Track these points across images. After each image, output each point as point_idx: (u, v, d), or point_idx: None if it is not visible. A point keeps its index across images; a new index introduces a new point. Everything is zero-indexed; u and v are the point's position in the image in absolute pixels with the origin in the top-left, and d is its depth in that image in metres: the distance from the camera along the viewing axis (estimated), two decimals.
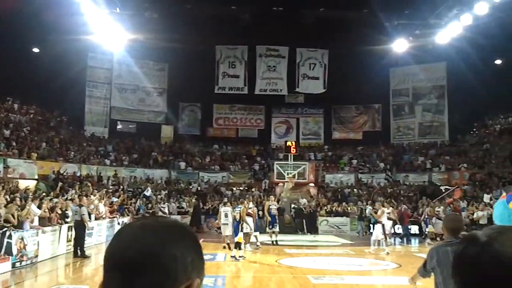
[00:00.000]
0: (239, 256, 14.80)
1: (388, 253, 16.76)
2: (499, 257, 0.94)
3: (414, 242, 22.96)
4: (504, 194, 5.31)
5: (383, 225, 17.40)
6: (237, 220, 15.77)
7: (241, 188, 31.05)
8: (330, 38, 31.65)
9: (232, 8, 29.01)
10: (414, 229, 25.00)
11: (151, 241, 0.99)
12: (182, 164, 33.35)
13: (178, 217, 26.33)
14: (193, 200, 27.28)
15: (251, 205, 18.18)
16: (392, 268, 13.69)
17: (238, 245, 15.00)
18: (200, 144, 36.77)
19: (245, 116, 38.63)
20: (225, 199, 23.02)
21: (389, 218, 18.87)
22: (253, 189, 30.71)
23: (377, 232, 17.69)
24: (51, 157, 27.36)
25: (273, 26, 30.29)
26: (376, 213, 18.13)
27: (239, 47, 35.28)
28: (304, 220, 26.01)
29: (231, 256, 14.69)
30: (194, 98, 37.40)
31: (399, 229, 24.36)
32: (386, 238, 17.56)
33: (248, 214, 16.71)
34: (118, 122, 36.34)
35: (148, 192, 26.96)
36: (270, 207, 19.01)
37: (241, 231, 15.49)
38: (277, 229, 19.21)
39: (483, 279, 0.94)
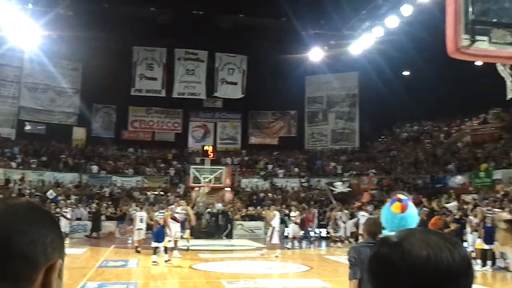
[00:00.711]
0: (165, 261, 14.63)
1: (277, 256, 17.07)
2: (407, 256, 0.99)
3: (323, 245, 23.71)
4: (389, 199, 5.65)
5: (273, 228, 17.62)
6: (161, 224, 15.54)
7: (156, 193, 30.54)
8: (249, 44, 32.07)
9: (151, 9, 28.60)
10: (323, 232, 25.92)
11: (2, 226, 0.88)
12: (94, 168, 32.24)
13: (89, 223, 25.43)
14: (94, 205, 26.25)
15: (179, 209, 17.95)
16: (303, 271, 14.06)
17: (165, 250, 15.02)
18: (114, 147, 35.73)
19: (162, 119, 38.08)
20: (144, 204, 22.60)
21: (295, 222, 19.37)
22: (168, 194, 30.31)
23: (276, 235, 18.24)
24: None
25: (192, 29, 30.18)
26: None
27: (157, 49, 34.79)
28: (219, 225, 26.03)
29: (152, 262, 14.49)
30: (109, 100, 36.28)
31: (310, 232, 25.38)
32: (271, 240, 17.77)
33: (174, 219, 16.51)
34: (27, 122, 34.49)
35: (51, 195, 25.72)
36: (177, 213, 18.24)
37: (167, 235, 15.34)
38: (184, 235, 18.28)
39: (394, 278, 1.00)
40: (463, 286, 1.01)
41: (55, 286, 0.91)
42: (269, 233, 18.14)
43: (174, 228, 16.66)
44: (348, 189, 26.38)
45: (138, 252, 17.40)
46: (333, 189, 26.22)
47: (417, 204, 24.31)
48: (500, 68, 4.07)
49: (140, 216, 18.07)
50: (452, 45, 3.25)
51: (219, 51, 35.13)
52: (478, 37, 3.22)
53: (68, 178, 30.68)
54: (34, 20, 24.41)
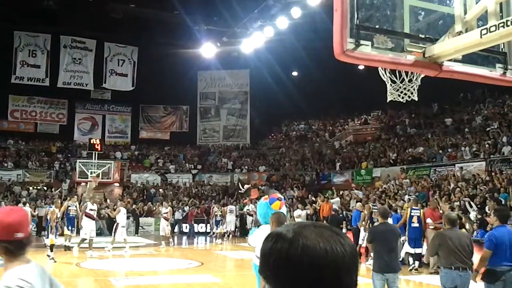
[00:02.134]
0: (50, 258, 13.95)
1: (109, 250, 17.05)
2: (306, 251, 1.04)
3: (208, 240, 23.96)
4: (266, 196, 6.53)
5: (117, 224, 17.36)
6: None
7: (39, 188, 28.87)
8: (140, 35, 31.32)
9: None
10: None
11: None
12: None
13: None
14: None
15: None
16: (195, 266, 14.09)
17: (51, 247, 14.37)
18: None
19: (45, 110, 35.93)
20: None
21: (165, 218, 19.46)
22: (53, 189, 28.78)
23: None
24: None
25: (80, 16, 28.79)
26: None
27: (41, 35, 32.74)
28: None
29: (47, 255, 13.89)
30: None
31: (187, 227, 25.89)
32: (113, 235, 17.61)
33: (88, 216, 16.04)
34: None
35: None
36: (69, 208, 17.26)
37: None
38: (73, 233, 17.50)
39: (294, 272, 1.05)
40: (353, 275, 1.08)
41: None
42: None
43: (89, 227, 16.04)
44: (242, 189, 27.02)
45: None
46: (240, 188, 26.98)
47: (305, 198, 25.41)
48: (381, 72, 4.37)
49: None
50: (338, 48, 3.43)
51: (108, 40, 33.86)
52: (362, 42, 3.43)
53: None
54: None
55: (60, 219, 16.30)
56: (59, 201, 15.77)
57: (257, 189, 28.21)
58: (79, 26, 30.80)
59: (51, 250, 14.11)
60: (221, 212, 22.62)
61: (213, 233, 23.69)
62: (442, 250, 6.47)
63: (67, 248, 16.95)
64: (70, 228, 16.92)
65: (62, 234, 16.84)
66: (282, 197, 6.20)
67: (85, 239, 16.02)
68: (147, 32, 29.86)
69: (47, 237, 14.60)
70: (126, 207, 20.23)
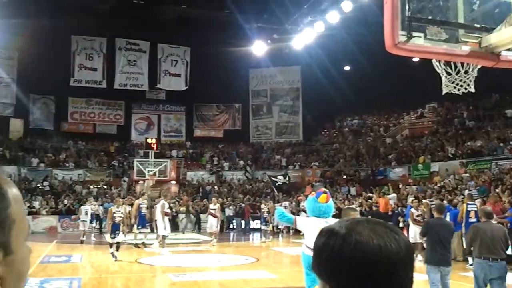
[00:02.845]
0: (113, 256, 14.05)
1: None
2: (359, 247, 1.04)
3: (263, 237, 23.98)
4: (313, 192, 6.88)
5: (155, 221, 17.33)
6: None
7: (99, 186, 29.89)
8: (192, 36, 31.75)
9: None
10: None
11: None
12: (34, 161, 31.12)
13: (29, 218, 24.68)
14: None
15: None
16: (250, 262, 14.20)
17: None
18: (54, 139, 34.59)
19: (103, 111, 37.15)
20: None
21: (213, 215, 19.11)
22: (112, 187, 29.74)
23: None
24: None
25: (133, 19, 29.55)
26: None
27: (97, 39, 33.85)
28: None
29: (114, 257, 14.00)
30: (47, 90, 34.95)
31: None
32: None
33: (166, 214, 16.36)
34: None
35: None
36: (140, 205, 17.70)
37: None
38: (148, 230, 18.02)
39: (346, 267, 1.05)
40: (409, 272, 1.07)
41: None
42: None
43: (167, 224, 16.43)
44: (286, 182, 26.76)
45: (81, 242, 18.84)
46: (275, 180, 26.56)
47: (359, 195, 25.09)
48: (435, 63, 4.26)
49: (85, 209, 19.81)
50: (390, 41, 3.38)
51: (161, 42, 34.60)
52: (414, 34, 3.36)
53: (6, 171, 29.44)
54: None
55: (131, 216, 16.75)
56: (120, 200, 16.09)
57: (311, 186, 28.19)
58: (133, 28, 31.60)
59: (111, 247, 14.22)
60: (268, 209, 22.34)
61: (262, 230, 23.51)
62: (475, 242, 6.83)
63: (140, 245, 17.33)
64: (140, 226, 17.36)
65: (131, 231, 17.27)
66: (328, 190, 6.46)
67: (166, 236, 16.38)
68: (199, 32, 30.27)
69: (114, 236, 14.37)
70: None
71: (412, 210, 14.82)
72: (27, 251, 0.88)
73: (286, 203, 23.90)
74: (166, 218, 16.46)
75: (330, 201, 6.65)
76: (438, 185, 22.37)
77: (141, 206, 17.69)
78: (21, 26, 27.39)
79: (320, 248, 1.11)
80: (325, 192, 6.59)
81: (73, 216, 23.78)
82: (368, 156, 32.08)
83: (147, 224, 18.07)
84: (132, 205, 17.86)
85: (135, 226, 17.39)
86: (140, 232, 17.57)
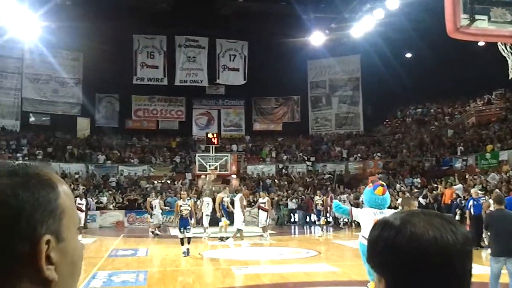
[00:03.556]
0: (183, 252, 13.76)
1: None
2: (414, 238, 1.01)
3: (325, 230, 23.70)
4: (370, 184, 7.28)
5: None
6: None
7: (163, 181, 30.65)
8: (249, 29, 31.85)
9: None
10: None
11: None
12: (101, 158, 32.35)
13: (98, 213, 25.72)
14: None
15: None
16: (312, 256, 14.11)
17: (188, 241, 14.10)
18: (119, 136, 35.82)
19: (165, 107, 38.04)
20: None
21: (263, 209, 18.46)
22: (175, 182, 30.42)
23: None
24: None
25: (192, 16, 30.00)
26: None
27: (157, 37, 34.62)
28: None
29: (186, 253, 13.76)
30: (111, 89, 36.24)
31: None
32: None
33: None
34: (31, 114, 34.54)
35: None
36: (223, 199, 17.81)
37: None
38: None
39: (400, 259, 1.02)
40: (467, 265, 1.04)
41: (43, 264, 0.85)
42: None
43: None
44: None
45: (156, 235, 19.89)
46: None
47: (424, 186, 24.35)
48: (501, 47, 4.02)
49: (155, 204, 20.45)
50: (451, 25, 3.20)
51: (219, 37, 34.92)
52: (477, 17, 3.17)
53: (75, 168, 30.80)
54: (33, 11, 24.29)
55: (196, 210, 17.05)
56: (185, 193, 16.25)
57: (375, 177, 27.65)
58: (191, 25, 32.08)
59: (182, 243, 13.89)
60: (322, 201, 21.86)
61: (315, 223, 23.02)
62: (490, 230, 7.02)
63: (223, 239, 17.49)
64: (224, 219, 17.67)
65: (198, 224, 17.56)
66: (385, 183, 6.91)
67: (241, 229, 16.65)
68: (256, 26, 30.31)
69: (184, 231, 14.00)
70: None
71: (490, 200, 14.20)
72: (79, 244, 0.93)
73: (344, 196, 23.54)
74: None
75: (387, 194, 6.91)
76: (508, 174, 21.35)
77: (224, 200, 17.83)
78: (84, 28, 28.44)
79: (374, 240, 1.09)
80: (382, 185, 6.88)
81: (146, 215, 23.67)
82: (433, 145, 31.07)
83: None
84: (197, 199, 18.18)
85: (223, 218, 17.77)
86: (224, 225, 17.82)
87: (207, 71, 35.07)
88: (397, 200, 20.47)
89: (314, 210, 22.85)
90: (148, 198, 22.13)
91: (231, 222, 17.75)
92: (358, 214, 7.30)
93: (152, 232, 20.37)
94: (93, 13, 27.12)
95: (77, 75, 35.32)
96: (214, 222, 19.00)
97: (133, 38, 34.16)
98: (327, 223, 22.27)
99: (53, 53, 33.00)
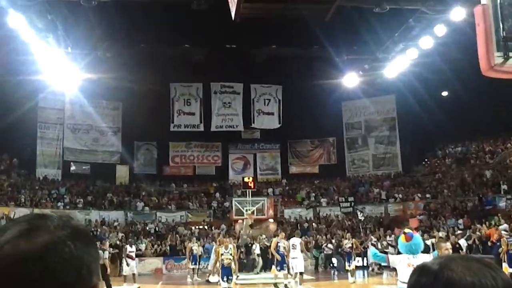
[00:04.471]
0: None
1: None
2: (450, 283, 0.98)
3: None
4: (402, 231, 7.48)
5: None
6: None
7: (201, 227, 30.64)
8: (282, 73, 32.23)
9: (186, 46, 29.25)
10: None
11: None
12: (140, 205, 32.72)
13: (136, 260, 25.73)
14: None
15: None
16: None
17: None
18: (157, 183, 36.27)
19: (201, 153, 38.46)
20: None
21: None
22: (213, 227, 30.36)
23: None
24: (1, 202, 26.38)
25: (227, 63, 30.62)
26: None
27: (193, 85, 35.37)
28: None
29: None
30: (149, 137, 37.01)
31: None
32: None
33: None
34: (72, 163, 35.45)
35: None
36: (279, 244, 17.27)
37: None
38: (286, 271, 16.96)
39: None
40: None
41: None
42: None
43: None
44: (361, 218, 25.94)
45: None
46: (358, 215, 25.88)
47: (468, 227, 23.55)
48: None
49: (195, 249, 20.80)
50: (485, 64, 3.15)
51: (254, 82, 35.42)
52: (511, 54, 3.11)
53: (114, 215, 31.20)
54: (73, 63, 25.33)
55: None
56: (226, 240, 16.01)
57: (416, 219, 27.03)
58: (226, 72, 32.72)
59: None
60: (352, 244, 20.87)
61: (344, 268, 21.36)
62: None
63: (279, 285, 17.21)
64: (279, 267, 16.89)
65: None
66: (411, 230, 7.33)
67: (303, 272, 16.63)
68: (289, 70, 30.67)
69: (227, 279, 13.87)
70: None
71: None
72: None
73: (385, 243, 22.84)
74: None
75: (416, 239, 7.17)
76: None
77: (279, 245, 17.31)
78: (124, 78, 29.40)
79: (413, 286, 1.07)
80: (404, 233, 7.24)
81: (185, 261, 23.42)
82: (474, 184, 30.18)
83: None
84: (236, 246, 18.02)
85: (274, 266, 17.25)
86: (279, 271, 16.97)
87: (242, 116, 35.45)
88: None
89: (343, 253, 22.07)
90: (188, 244, 22.09)
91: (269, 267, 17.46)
92: (394, 260, 7.53)
93: (191, 278, 20.30)
94: (132, 64, 28.04)
95: (116, 124, 36.29)
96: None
97: (170, 86, 34.98)
98: (359, 267, 21.63)
99: (94, 103, 34.16)
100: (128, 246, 19.45)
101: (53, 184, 32.82)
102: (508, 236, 17.10)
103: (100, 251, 21.62)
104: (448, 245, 7.43)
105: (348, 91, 31.28)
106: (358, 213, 26.93)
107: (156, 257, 26.56)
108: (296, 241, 17.14)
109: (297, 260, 16.43)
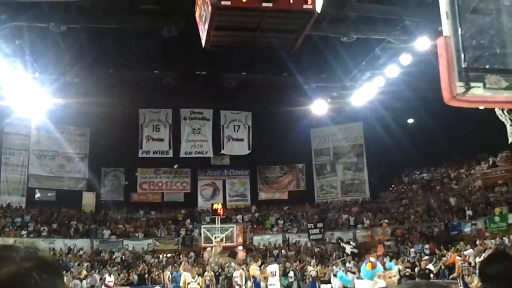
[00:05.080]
0: None
1: None
2: None
3: None
4: (365, 260, 8.51)
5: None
6: None
7: (169, 255, 30.15)
8: (252, 100, 32.40)
9: (156, 72, 29.20)
10: None
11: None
12: (106, 233, 32.04)
13: None
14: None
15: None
16: None
17: None
18: (124, 210, 35.67)
19: (170, 179, 38.12)
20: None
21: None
22: (181, 255, 29.91)
23: None
24: None
25: (196, 89, 30.63)
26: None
27: (163, 111, 35.18)
28: None
29: None
30: (117, 163, 36.55)
31: None
32: None
33: None
34: (36, 190, 34.64)
35: None
36: (257, 272, 17.25)
37: None
38: None
39: None
40: None
41: None
42: None
43: None
44: (354, 250, 25.99)
45: None
46: (345, 246, 25.86)
47: (434, 253, 23.84)
48: (498, 112, 4.08)
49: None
50: (447, 93, 3.25)
51: (223, 108, 35.47)
52: (472, 84, 3.22)
53: (80, 244, 30.45)
54: (41, 88, 24.93)
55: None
56: (194, 269, 15.84)
57: (383, 245, 27.19)
58: (196, 98, 32.72)
59: None
60: (317, 272, 20.61)
61: None
62: None
63: None
64: None
65: None
66: (374, 259, 8.06)
67: None
68: (259, 96, 30.89)
69: None
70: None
71: None
72: None
73: (351, 264, 22.94)
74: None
75: (377, 268, 7.88)
76: None
77: (257, 271, 17.15)
78: (92, 104, 29.06)
79: None
80: (370, 261, 7.90)
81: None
82: (440, 210, 30.71)
83: None
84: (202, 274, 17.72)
85: None
86: None
87: (212, 142, 35.35)
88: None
89: (307, 281, 21.92)
90: (166, 272, 21.67)
91: None
92: (358, 285, 8.38)
93: None
94: (100, 89, 27.77)
95: (83, 150, 35.73)
96: None
97: (139, 112, 34.71)
98: None
99: (61, 129, 33.61)
100: (107, 276, 18.94)
101: (17, 211, 31.95)
102: (463, 262, 17.46)
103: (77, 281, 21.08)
104: (393, 272, 8.02)
105: (316, 118, 31.65)
106: (346, 246, 26.82)
107: (122, 287, 25.90)
108: (274, 267, 16.96)
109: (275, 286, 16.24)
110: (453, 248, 22.44)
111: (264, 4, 8.64)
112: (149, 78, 29.29)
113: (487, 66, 3.37)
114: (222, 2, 8.50)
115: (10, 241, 27.50)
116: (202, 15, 9.64)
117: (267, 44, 10.43)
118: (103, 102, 29.09)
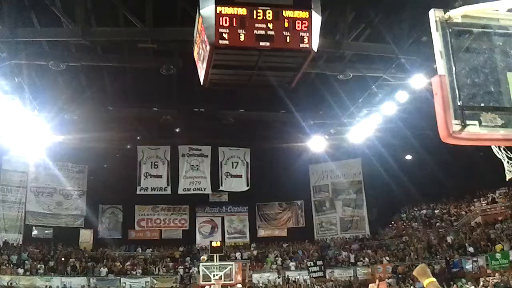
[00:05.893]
0: None
1: None
2: None
3: None
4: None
5: None
6: None
7: None
8: (251, 137, 32.51)
9: (154, 109, 29.36)
10: None
11: None
12: (103, 271, 31.57)
13: None
14: None
15: None
16: None
17: None
18: (122, 248, 35.27)
19: (168, 216, 37.85)
20: None
21: None
22: None
23: None
24: None
25: (195, 126, 30.76)
26: None
27: (161, 147, 35.18)
28: None
29: None
30: (115, 200, 36.34)
31: None
32: None
33: None
34: (34, 227, 34.31)
35: None
36: None
37: None
38: None
39: None
40: None
41: None
42: None
43: None
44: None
45: None
46: None
47: None
48: (495, 150, 4.08)
49: None
50: (444, 131, 3.27)
51: (222, 145, 35.51)
52: (468, 122, 3.25)
53: (76, 282, 30.00)
54: (39, 125, 25.00)
55: None
56: None
57: (385, 282, 26.81)
58: (194, 135, 32.81)
59: None
60: None
61: None
62: None
63: None
64: None
65: None
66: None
67: None
68: (257, 133, 31.00)
69: None
70: None
71: None
72: None
73: None
74: None
75: None
76: None
77: None
78: (89, 140, 29.10)
79: None
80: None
81: None
82: (441, 247, 30.40)
83: None
84: None
85: None
86: None
87: (210, 179, 35.25)
88: None
89: None
90: None
91: None
92: None
93: None
94: (99, 126, 27.86)
95: (81, 187, 35.59)
96: None
97: (138, 149, 34.69)
98: None
99: (59, 166, 33.58)
100: None
101: (14, 249, 31.57)
102: None
103: None
104: None
105: (315, 154, 31.69)
106: None
107: None
108: None
109: None
110: (455, 285, 22.10)
111: (261, 43, 8.78)
112: (147, 115, 29.42)
113: (482, 104, 3.40)
114: (220, 41, 8.63)
115: (6, 278, 27.13)
116: (201, 53, 9.77)
117: (264, 82, 10.54)
118: (102, 139, 29.17)
